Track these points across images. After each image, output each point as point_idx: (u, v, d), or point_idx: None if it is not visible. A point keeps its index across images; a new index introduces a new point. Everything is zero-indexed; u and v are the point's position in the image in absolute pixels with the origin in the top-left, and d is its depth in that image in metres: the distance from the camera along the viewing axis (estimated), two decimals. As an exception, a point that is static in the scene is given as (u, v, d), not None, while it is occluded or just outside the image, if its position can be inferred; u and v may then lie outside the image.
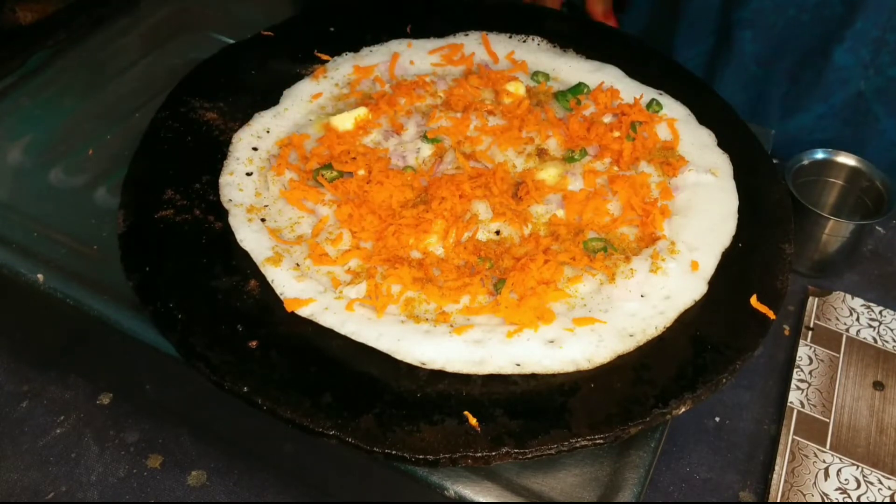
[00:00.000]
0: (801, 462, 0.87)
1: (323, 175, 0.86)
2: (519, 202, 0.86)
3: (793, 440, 0.89)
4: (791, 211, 0.88)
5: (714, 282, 0.80)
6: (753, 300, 0.78)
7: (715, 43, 1.29)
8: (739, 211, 0.87)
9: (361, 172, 0.87)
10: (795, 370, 0.95)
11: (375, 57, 1.04)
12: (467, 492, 0.68)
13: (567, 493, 0.69)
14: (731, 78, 1.26)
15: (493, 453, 0.65)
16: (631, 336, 0.74)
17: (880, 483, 0.85)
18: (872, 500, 0.84)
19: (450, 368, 0.71)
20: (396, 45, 1.06)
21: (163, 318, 0.73)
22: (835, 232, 1.03)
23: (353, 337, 0.72)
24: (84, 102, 1.08)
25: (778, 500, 0.83)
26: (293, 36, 1.07)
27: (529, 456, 0.66)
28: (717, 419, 0.93)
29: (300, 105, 0.97)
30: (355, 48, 1.06)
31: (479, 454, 0.65)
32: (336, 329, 0.73)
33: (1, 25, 1.14)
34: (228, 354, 0.70)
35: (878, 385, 0.94)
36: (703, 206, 0.87)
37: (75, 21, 1.17)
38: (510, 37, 1.09)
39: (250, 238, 0.80)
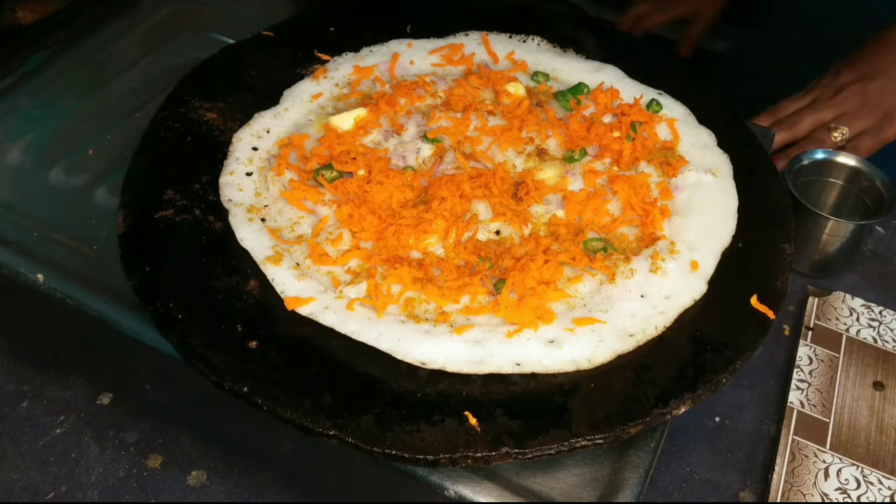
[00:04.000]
0: (801, 462, 0.87)
1: (323, 175, 0.86)
2: (519, 202, 0.86)
3: (793, 440, 0.89)
4: (791, 211, 0.88)
5: (714, 282, 0.80)
6: (753, 300, 0.78)
7: None
8: (739, 211, 0.87)
9: (361, 172, 0.87)
10: (795, 370, 0.95)
11: (375, 57, 1.04)
12: (467, 492, 0.68)
13: (567, 493, 0.69)
14: None
15: (493, 453, 0.65)
16: (631, 336, 0.74)
17: (880, 483, 0.85)
18: (872, 500, 0.84)
19: (450, 368, 0.71)
20: (396, 45, 1.06)
21: (163, 318, 0.73)
22: (835, 232, 1.03)
23: (354, 336, 0.73)
24: (84, 102, 1.08)
25: (778, 500, 0.83)
26: (293, 36, 1.07)
27: (529, 456, 0.66)
28: (717, 419, 0.93)
29: (300, 105, 0.97)
30: (355, 48, 1.06)
31: (479, 454, 0.65)
32: (336, 328, 0.73)
33: (1, 25, 1.14)
34: (228, 354, 0.71)
35: (878, 385, 0.94)
36: (703, 206, 0.87)
37: (75, 21, 1.17)
38: (510, 37, 1.09)
39: (250, 237, 0.80)
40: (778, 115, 1.19)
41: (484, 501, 0.68)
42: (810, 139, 1.16)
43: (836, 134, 1.15)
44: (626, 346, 0.73)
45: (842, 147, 1.16)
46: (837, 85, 1.18)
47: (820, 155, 1.10)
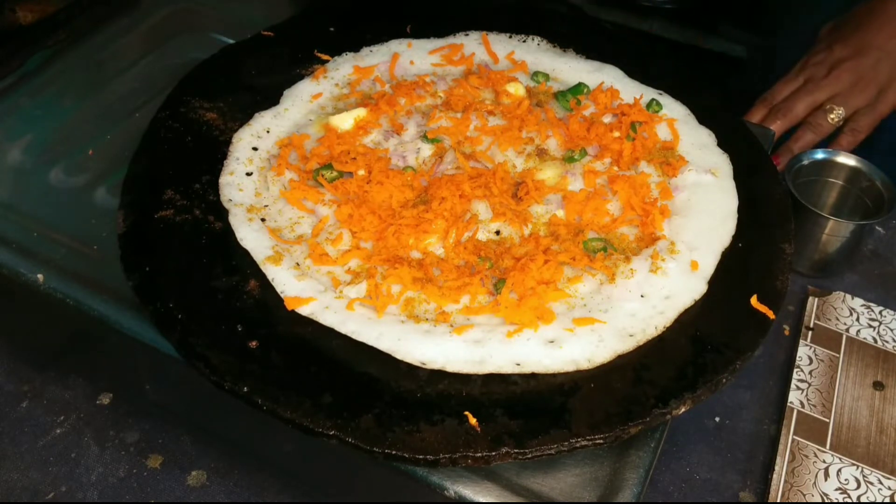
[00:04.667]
0: (801, 462, 0.87)
1: (323, 175, 0.86)
2: (519, 202, 0.86)
3: (793, 440, 0.89)
4: (791, 211, 0.88)
5: (714, 282, 0.80)
6: (753, 300, 0.78)
7: None
8: (739, 211, 0.87)
9: (361, 172, 0.87)
10: (795, 370, 0.95)
11: (375, 57, 1.04)
12: (467, 492, 0.68)
13: (567, 493, 0.69)
14: None
15: (493, 453, 0.65)
16: (631, 336, 0.74)
17: (880, 483, 0.85)
18: (872, 500, 0.84)
19: (450, 368, 0.71)
20: (396, 45, 1.06)
21: (163, 318, 0.73)
22: (835, 232, 1.03)
23: (354, 336, 0.73)
24: (84, 102, 1.08)
25: (778, 500, 0.83)
26: (293, 36, 1.07)
27: (529, 456, 0.66)
28: (717, 419, 0.93)
29: (300, 105, 0.97)
30: (355, 48, 1.06)
31: (479, 454, 0.65)
32: (336, 328, 0.73)
33: (1, 25, 1.14)
34: (228, 354, 0.71)
35: (878, 385, 0.94)
36: (703, 206, 0.87)
37: (75, 21, 1.17)
38: (510, 37, 1.09)
39: (250, 237, 0.80)
40: (773, 102, 1.17)
41: (484, 501, 0.68)
42: (807, 126, 1.15)
43: (832, 116, 1.14)
44: (626, 346, 0.73)
45: (840, 128, 1.15)
46: (830, 62, 1.16)
47: (820, 155, 1.10)
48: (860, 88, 1.15)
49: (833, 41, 1.18)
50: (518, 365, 0.71)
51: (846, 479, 0.85)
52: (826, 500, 0.83)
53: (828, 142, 1.17)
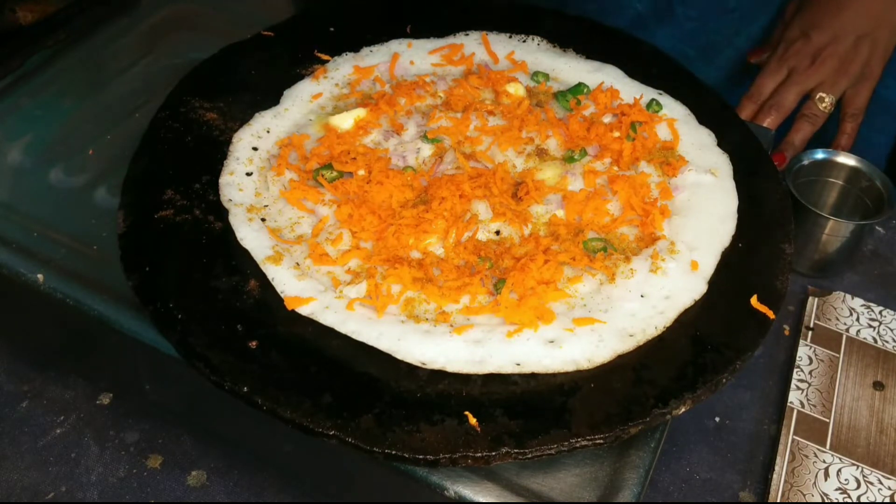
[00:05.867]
0: (801, 462, 0.87)
1: (323, 175, 0.87)
2: (519, 202, 0.86)
3: (793, 440, 0.89)
4: (791, 211, 0.88)
5: (714, 282, 0.80)
6: (753, 300, 0.78)
7: None
8: (739, 211, 0.87)
9: (361, 172, 0.87)
10: (795, 370, 0.95)
11: (375, 57, 1.04)
12: (467, 492, 0.68)
13: (567, 493, 0.69)
14: None
15: (493, 453, 0.65)
16: (631, 336, 0.74)
17: (880, 483, 0.85)
18: (872, 500, 0.84)
19: (450, 368, 0.71)
20: (396, 45, 1.06)
21: (162, 318, 0.73)
22: (835, 232, 1.03)
23: (354, 336, 0.73)
24: (84, 102, 1.08)
25: (778, 500, 0.83)
26: (293, 36, 1.07)
27: (529, 456, 0.66)
28: (717, 419, 0.93)
29: (300, 105, 0.97)
30: (355, 48, 1.06)
31: (479, 454, 0.65)
32: (336, 328, 0.73)
33: (1, 25, 1.14)
34: (228, 354, 0.71)
35: (878, 385, 0.94)
36: (703, 206, 0.87)
37: (75, 21, 1.17)
38: (510, 37, 1.09)
39: (250, 237, 0.80)
40: (760, 98, 1.16)
41: (484, 501, 0.68)
42: (804, 117, 1.15)
43: (823, 105, 1.14)
44: (626, 346, 0.73)
45: (836, 117, 1.16)
46: (811, 52, 1.16)
47: (820, 155, 1.10)
48: (843, 71, 1.15)
49: (807, 28, 1.17)
50: (518, 365, 0.71)
51: (846, 479, 0.85)
52: (826, 500, 0.83)
53: (832, 134, 1.17)
